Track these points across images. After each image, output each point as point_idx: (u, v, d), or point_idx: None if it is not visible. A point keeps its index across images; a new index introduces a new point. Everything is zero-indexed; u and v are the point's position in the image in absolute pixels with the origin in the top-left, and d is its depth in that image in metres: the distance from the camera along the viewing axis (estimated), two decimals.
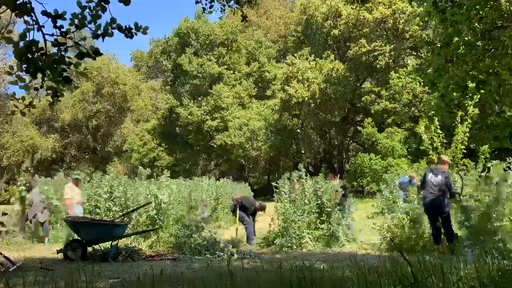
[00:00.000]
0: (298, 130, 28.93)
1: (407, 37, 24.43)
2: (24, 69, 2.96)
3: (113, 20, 3.17)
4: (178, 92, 34.45)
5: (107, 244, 7.14)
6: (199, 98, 31.30)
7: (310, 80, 25.40)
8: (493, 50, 5.25)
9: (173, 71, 35.00)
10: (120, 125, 37.61)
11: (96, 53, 3.14)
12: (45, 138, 37.08)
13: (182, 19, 33.58)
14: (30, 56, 2.94)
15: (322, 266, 4.88)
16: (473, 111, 8.14)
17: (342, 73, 25.74)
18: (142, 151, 34.15)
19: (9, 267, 5.56)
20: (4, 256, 5.84)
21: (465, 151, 8.65)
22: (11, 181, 43.39)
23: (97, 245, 7.13)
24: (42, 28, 3.01)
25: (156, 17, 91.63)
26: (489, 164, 7.98)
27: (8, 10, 2.92)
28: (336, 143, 30.48)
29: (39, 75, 3.02)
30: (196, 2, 5.24)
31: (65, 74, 3.10)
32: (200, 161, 34.21)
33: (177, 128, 31.83)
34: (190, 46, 32.61)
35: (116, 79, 35.37)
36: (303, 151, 30.95)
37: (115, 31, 3.20)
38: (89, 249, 7.07)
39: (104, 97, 35.85)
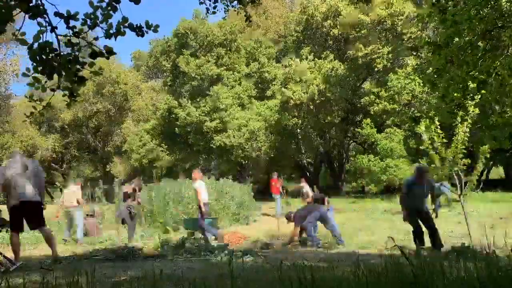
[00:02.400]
0: (298, 130, 28.91)
1: (406, 38, 24.42)
2: (39, 70, 3.01)
3: (124, 19, 3.22)
4: (177, 92, 34.40)
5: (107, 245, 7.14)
6: (198, 99, 31.25)
7: (308, 81, 25.37)
8: (493, 50, 5.25)
9: (173, 72, 34.96)
10: (120, 125, 37.61)
11: (109, 52, 3.19)
12: (45, 138, 37.08)
13: (181, 20, 33.58)
14: (44, 57, 2.98)
15: (322, 266, 4.88)
16: (473, 111, 8.12)
17: (342, 73, 25.73)
18: (142, 151, 34.12)
19: (9, 267, 5.55)
20: (4, 256, 5.83)
21: (465, 151, 8.63)
22: None
23: (96, 245, 7.13)
24: (55, 29, 3.06)
25: (156, 17, 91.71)
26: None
27: (21, 12, 2.95)
28: (336, 143, 30.47)
29: (55, 76, 3.07)
30: (200, 3, 5.24)
31: (79, 74, 3.16)
32: (200, 161, 34.17)
33: (176, 128, 31.80)
34: (188, 47, 32.50)
35: (117, 79, 35.37)
36: (303, 151, 30.94)
37: (127, 30, 3.26)
38: (89, 248, 7.08)
39: (104, 96, 35.85)
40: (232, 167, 31.67)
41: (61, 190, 43.58)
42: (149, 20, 3.32)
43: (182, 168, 32.80)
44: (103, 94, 35.65)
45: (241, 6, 5.24)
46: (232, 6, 5.33)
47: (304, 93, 25.12)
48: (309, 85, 25.22)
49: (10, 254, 6.29)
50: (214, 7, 5.19)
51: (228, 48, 32.47)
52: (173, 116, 31.85)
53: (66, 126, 38.19)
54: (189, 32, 32.49)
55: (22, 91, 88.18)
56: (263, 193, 28.70)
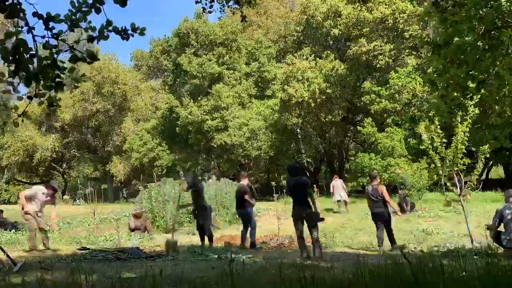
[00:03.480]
0: (298, 130, 28.90)
1: (407, 37, 24.41)
2: (13, 71, 2.80)
3: (109, 22, 3.02)
4: (178, 92, 34.41)
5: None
6: (199, 98, 31.28)
7: (310, 80, 25.38)
8: (493, 50, 5.25)
9: (173, 71, 34.98)
10: (120, 125, 37.61)
11: (91, 57, 2.96)
12: (45, 138, 37.07)
13: (182, 19, 33.64)
14: (17, 57, 2.77)
15: (322, 266, 4.88)
16: (473, 111, 8.13)
17: (342, 72, 25.73)
18: (142, 151, 34.14)
19: (10, 267, 5.55)
20: (8, 256, 5.82)
21: (465, 151, 8.63)
22: (11, 181, 43.45)
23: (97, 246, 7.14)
24: (33, 30, 2.85)
25: (157, 17, 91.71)
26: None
27: None
28: (336, 142, 30.45)
29: (33, 83, 2.86)
30: (196, 2, 5.23)
31: (58, 79, 2.91)
32: (200, 161, 34.19)
33: (176, 128, 31.83)
34: (190, 46, 32.57)
35: (116, 79, 35.35)
36: (303, 151, 30.95)
37: (111, 34, 3.07)
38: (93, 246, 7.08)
39: (104, 96, 35.84)
40: (232, 166, 31.68)
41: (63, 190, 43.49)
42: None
43: (182, 168, 32.79)
44: (103, 94, 35.64)
45: (237, 6, 5.24)
46: (229, 6, 5.34)
47: (305, 91, 25.14)
48: (311, 83, 25.23)
49: (12, 254, 6.30)
50: (210, 7, 5.19)
51: (229, 48, 32.50)
52: (174, 115, 31.89)
53: (66, 126, 38.17)
54: (190, 32, 32.53)
55: (22, 91, 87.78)
56: (263, 192, 28.72)
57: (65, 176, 43.53)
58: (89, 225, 15.07)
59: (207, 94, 30.96)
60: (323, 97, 25.35)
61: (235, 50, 32.80)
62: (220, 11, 5.71)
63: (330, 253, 7.93)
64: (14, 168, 38.49)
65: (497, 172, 34.42)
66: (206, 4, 5.24)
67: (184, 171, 35.05)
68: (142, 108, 37.79)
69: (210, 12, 5.33)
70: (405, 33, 24.31)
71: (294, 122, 26.81)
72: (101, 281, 4.24)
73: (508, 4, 5.11)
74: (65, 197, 37.70)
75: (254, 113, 29.88)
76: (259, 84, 33.03)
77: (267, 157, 29.48)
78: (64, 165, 42.29)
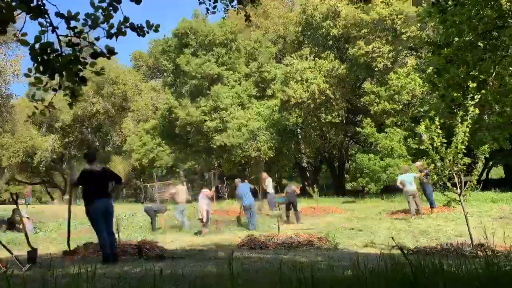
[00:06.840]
0: (298, 130, 28.89)
1: (406, 38, 24.35)
2: (41, 70, 3.03)
3: (126, 19, 3.24)
4: (178, 92, 34.37)
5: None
6: (198, 99, 31.26)
7: (309, 80, 25.34)
8: (493, 50, 5.25)
9: (173, 72, 34.94)
10: (120, 125, 37.61)
11: (110, 52, 3.20)
12: (45, 138, 37.07)
13: (181, 19, 33.61)
14: (45, 58, 3.00)
15: (322, 266, 4.89)
16: (473, 111, 8.12)
17: (342, 73, 25.71)
18: (141, 151, 34.13)
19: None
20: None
21: (465, 151, 8.63)
22: (11, 182, 43.44)
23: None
24: (56, 30, 3.08)
25: (157, 17, 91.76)
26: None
27: (23, 13, 2.97)
28: (336, 142, 30.46)
29: (56, 76, 3.10)
30: (200, 3, 5.24)
31: (81, 74, 3.19)
32: (200, 161, 34.16)
33: (176, 128, 31.82)
34: (188, 46, 32.50)
35: (116, 79, 35.34)
36: (303, 151, 30.94)
37: (128, 30, 3.30)
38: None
39: (104, 97, 35.84)
40: (232, 166, 31.66)
41: (61, 190, 43.48)
42: (150, 19, 3.34)
43: (182, 168, 32.78)
44: (103, 95, 35.64)
45: (240, 6, 5.23)
46: (232, 6, 5.33)
47: (305, 91, 25.12)
48: (310, 84, 25.20)
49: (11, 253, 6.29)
50: (214, 7, 5.19)
51: (228, 48, 32.46)
52: (173, 115, 31.88)
53: (66, 127, 38.17)
54: (189, 32, 32.47)
55: (22, 91, 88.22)
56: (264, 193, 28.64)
57: (65, 176, 43.51)
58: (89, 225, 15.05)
59: (207, 94, 30.95)
60: (323, 97, 25.33)
61: (235, 50, 32.76)
62: (224, 11, 5.70)
63: (330, 253, 7.93)
64: (14, 169, 38.50)
65: (497, 172, 34.43)
66: (209, 4, 5.24)
67: (184, 171, 35.09)
68: (142, 108, 37.76)
69: (213, 12, 5.33)
70: (403, 36, 24.24)
71: (294, 122, 26.79)
72: (102, 281, 4.24)
73: (508, 4, 5.11)
74: (65, 197, 37.67)
75: (253, 114, 29.85)
76: (259, 84, 33.03)
77: (267, 158, 29.48)
78: (64, 165, 42.28)
